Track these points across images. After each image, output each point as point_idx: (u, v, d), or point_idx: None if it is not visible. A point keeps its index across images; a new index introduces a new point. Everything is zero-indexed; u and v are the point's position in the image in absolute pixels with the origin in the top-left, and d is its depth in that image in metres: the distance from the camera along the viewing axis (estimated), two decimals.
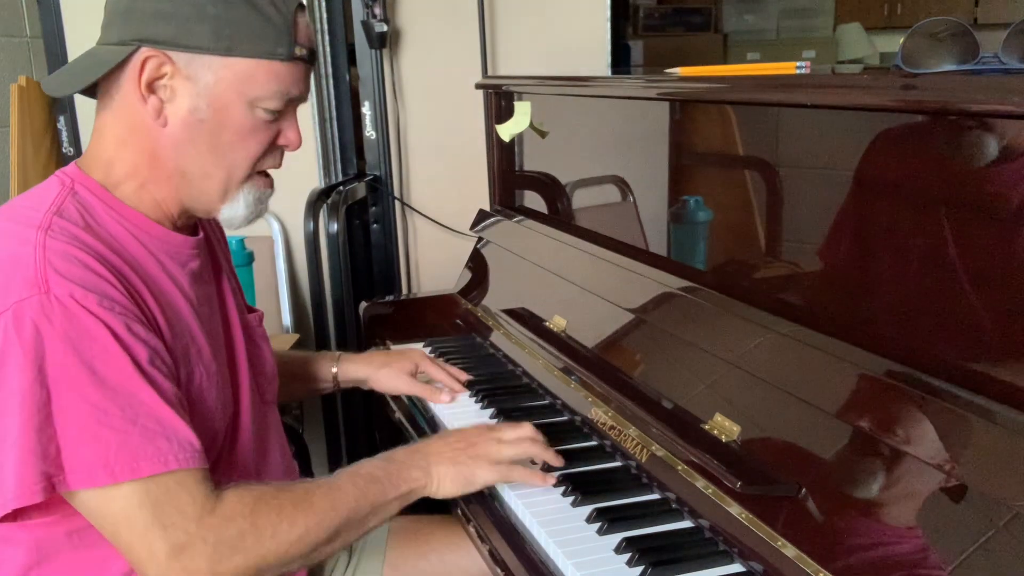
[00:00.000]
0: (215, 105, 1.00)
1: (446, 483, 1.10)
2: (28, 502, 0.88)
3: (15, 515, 0.91)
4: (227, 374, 1.13)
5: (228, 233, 1.28)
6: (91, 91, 1.05)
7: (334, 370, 1.49)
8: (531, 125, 1.76)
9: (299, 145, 1.08)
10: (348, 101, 2.33)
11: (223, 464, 1.11)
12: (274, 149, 1.07)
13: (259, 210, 1.09)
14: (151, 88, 0.99)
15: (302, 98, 1.06)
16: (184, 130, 1.01)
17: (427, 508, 1.18)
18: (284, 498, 0.98)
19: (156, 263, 1.03)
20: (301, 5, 1.04)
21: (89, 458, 0.89)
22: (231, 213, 1.07)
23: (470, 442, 1.14)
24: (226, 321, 1.17)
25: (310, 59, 1.05)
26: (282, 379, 1.34)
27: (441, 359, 1.57)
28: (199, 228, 1.14)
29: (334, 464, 2.38)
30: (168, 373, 0.97)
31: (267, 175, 1.09)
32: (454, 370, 1.52)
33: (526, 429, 1.18)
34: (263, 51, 0.99)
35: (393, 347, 1.75)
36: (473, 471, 1.11)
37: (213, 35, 0.97)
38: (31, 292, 0.89)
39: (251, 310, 1.28)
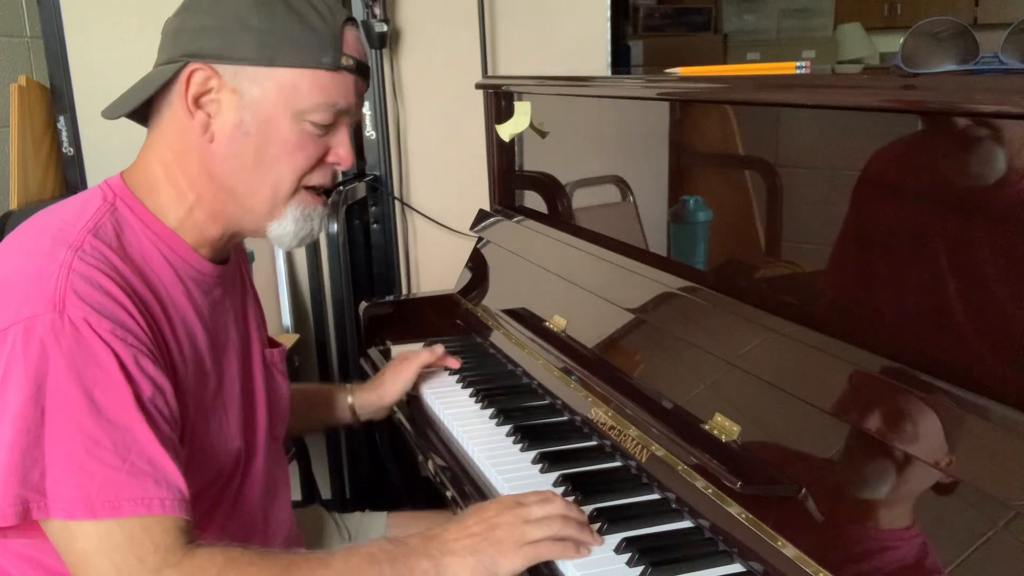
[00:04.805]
0: (260, 118, 0.99)
1: (464, 574, 0.96)
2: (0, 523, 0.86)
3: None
4: (239, 408, 1.11)
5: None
6: (143, 119, 1.06)
7: (350, 400, 1.46)
8: (531, 125, 1.76)
9: (350, 163, 1.05)
10: None
11: (231, 498, 1.10)
12: (324, 166, 1.05)
13: (309, 227, 1.06)
14: (198, 103, 0.99)
15: (352, 112, 1.04)
16: (230, 145, 1.00)
17: (426, 503, 1.17)
18: (261, 565, 0.91)
19: (182, 288, 1.02)
20: (351, 18, 1.03)
21: (71, 489, 0.86)
22: (279, 231, 1.05)
23: (491, 524, 0.99)
24: (246, 353, 1.15)
25: (359, 71, 1.03)
26: (301, 409, 1.32)
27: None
28: (230, 258, 1.12)
29: (334, 464, 2.38)
30: (169, 417, 0.94)
31: (318, 192, 1.06)
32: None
33: (557, 505, 1.02)
34: (307, 60, 0.98)
35: (393, 348, 1.75)
36: (495, 560, 0.96)
37: (257, 46, 0.97)
38: (46, 310, 0.88)
39: (273, 344, 1.25)
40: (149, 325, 0.94)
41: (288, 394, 1.26)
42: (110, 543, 0.86)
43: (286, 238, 1.05)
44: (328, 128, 1.02)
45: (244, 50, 0.98)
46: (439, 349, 1.52)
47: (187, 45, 0.99)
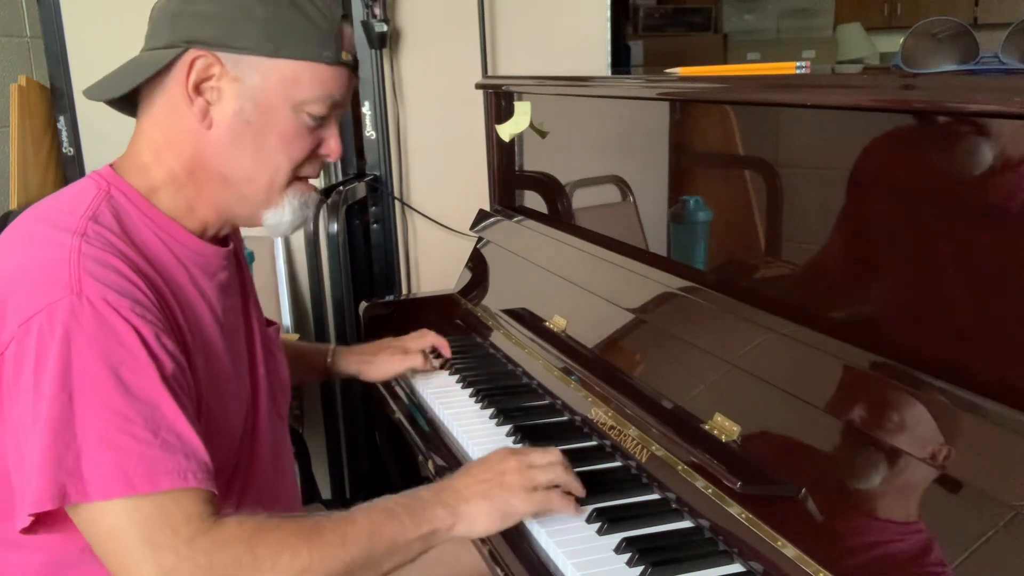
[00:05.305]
0: (261, 107, 1.00)
1: (480, 520, 1.00)
2: (38, 509, 0.86)
3: (33, 528, 0.89)
4: (247, 388, 1.12)
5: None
6: (130, 108, 1.06)
7: (328, 361, 1.51)
8: (531, 125, 1.76)
9: (339, 155, 1.08)
10: None
11: (241, 477, 1.10)
12: (314, 157, 1.07)
13: (304, 215, 1.08)
14: (198, 89, 1.00)
15: (344, 105, 1.07)
16: (229, 132, 1.01)
17: None
18: (289, 528, 0.91)
19: (185, 273, 1.03)
20: (346, 15, 1.05)
21: (108, 467, 0.86)
22: (277, 219, 1.07)
23: (499, 471, 1.04)
24: (249, 335, 1.17)
25: (353, 66, 1.06)
26: None
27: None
28: (229, 240, 1.13)
29: (334, 464, 2.38)
30: (188, 391, 0.95)
31: (308, 181, 1.09)
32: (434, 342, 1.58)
33: (555, 453, 1.09)
34: (310, 53, 1.00)
35: None
36: (509, 502, 1.01)
37: (262, 36, 0.99)
38: (64, 294, 0.88)
39: (269, 323, 1.27)
40: (161, 303, 0.95)
41: (287, 372, 1.28)
42: (143, 516, 0.86)
43: (283, 226, 1.08)
44: (322, 120, 1.04)
45: (248, 39, 0.99)
46: (436, 362, 1.56)
47: (188, 31, 0.99)
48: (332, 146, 1.07)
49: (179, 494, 0.88)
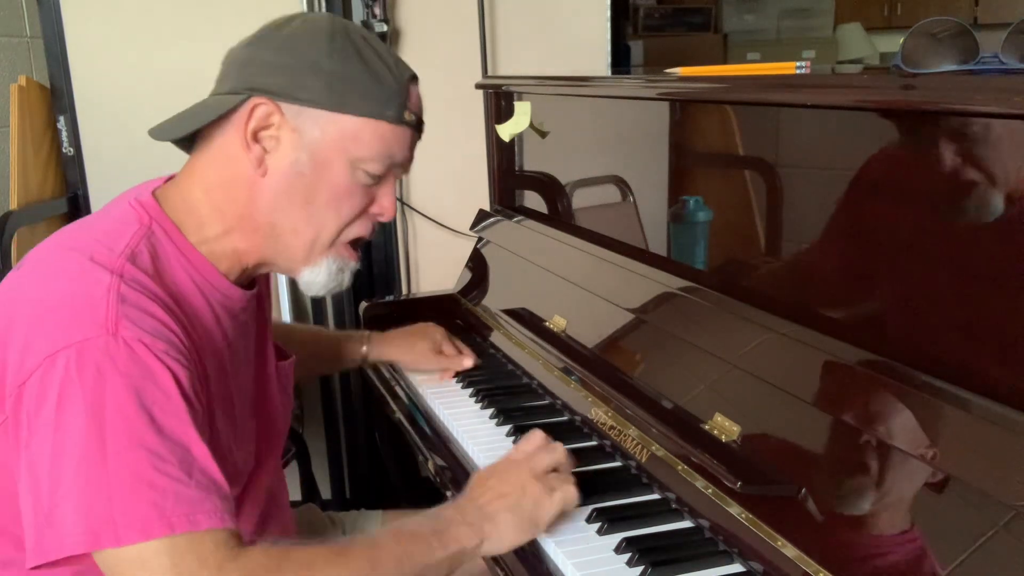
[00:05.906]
0: (317, 160, 1.00)
1: (508, 533, 1.01)
2: (79, 550, 0.84)
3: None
4: (252, 427, 1.12)
5: None
6: (186, 146, 1.06)
7: (364, 349, 1.55)
8: (531, 125, 1.76)
9: (393, 215, 1.07)
10: None
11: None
12: (365, 216, 1.06)
13: (339, 280, 1.07)
14: (256, 137, 0.99)
15: (404, 167, 1.06)
16: (282, 182, 1.00)
17: (428, 502, 1.16)
18: (315, 553, 0.91)
19: (212, 315, 1.02)
20: (415, 76, 1.05)
21: (145, 507, 0.84)
22: (311, 277, 1.06)
23: (518, 484, 1.04)
24: (262, 373, 1.16)
25: (418, 128, 1.06)
26: (310, 360, 1.38)
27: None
28: (255, 282, 1.12)
29: (334, 464, 2.38)
30: (204, 432, 0.94)
31: (354, 248, 1.08)
32: (462, 347, 1.61)
33: (560, 449, 1.11)
34: (372, 110, 0.99)
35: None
36: (535, 512, 1.02)
37: (325, 89, 0.98)
38: (98, 333, 0.87)
39: (285, 356, 1.25)
40: (189, 348, 0.95)
41: (291, 407, 1.27)
42: (178, 552, 0.85)
43: (315, 286, 1.07)
44: (378, 179, 1.04)
45: (312, 92, 0.98)
46: (465, 362, 1.58)
47: (253, 79, 0.99)
48: (385, 205, 1.06)
49: (214, 532, 0.87)
